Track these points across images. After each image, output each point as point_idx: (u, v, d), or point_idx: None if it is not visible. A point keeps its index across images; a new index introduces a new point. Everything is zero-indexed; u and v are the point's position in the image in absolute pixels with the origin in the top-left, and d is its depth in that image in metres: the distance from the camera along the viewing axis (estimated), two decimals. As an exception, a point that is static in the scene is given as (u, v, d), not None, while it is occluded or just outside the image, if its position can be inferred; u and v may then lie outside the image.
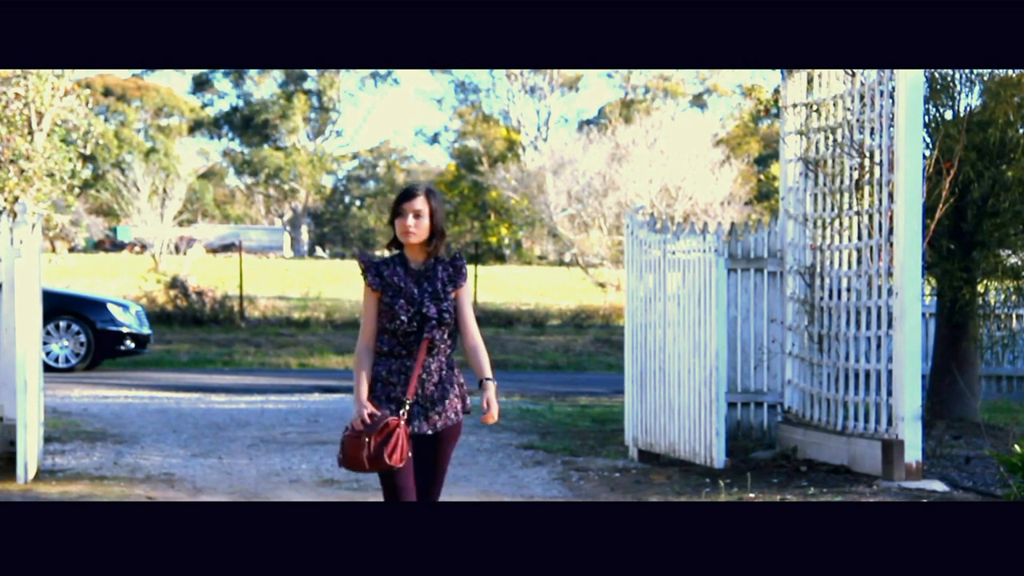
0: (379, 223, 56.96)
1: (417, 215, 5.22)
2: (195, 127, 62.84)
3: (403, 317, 5.17)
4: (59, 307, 16.75)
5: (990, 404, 12.57)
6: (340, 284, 31.75)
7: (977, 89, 12.00)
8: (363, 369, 5.20)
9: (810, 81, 10.51)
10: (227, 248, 52.11)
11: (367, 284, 5.23)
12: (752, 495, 8.65)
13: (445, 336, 5.25)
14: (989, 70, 11.74)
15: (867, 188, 9.73)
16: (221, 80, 62.44)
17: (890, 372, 9.32)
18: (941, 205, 10.16)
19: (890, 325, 9.34)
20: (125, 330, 17.46)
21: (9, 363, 9.16)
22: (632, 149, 31.14)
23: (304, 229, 63.12)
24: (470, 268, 5.83)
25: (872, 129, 9.64)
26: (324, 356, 21.12)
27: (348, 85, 62.61)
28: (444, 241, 5.30)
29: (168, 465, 9.87)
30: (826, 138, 10.27)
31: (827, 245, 10.25)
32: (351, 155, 64.85)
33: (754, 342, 10.97)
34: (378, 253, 5.63)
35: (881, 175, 9.48)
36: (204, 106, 63.46)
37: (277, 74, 60.13)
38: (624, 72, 53.84)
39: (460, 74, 57.24)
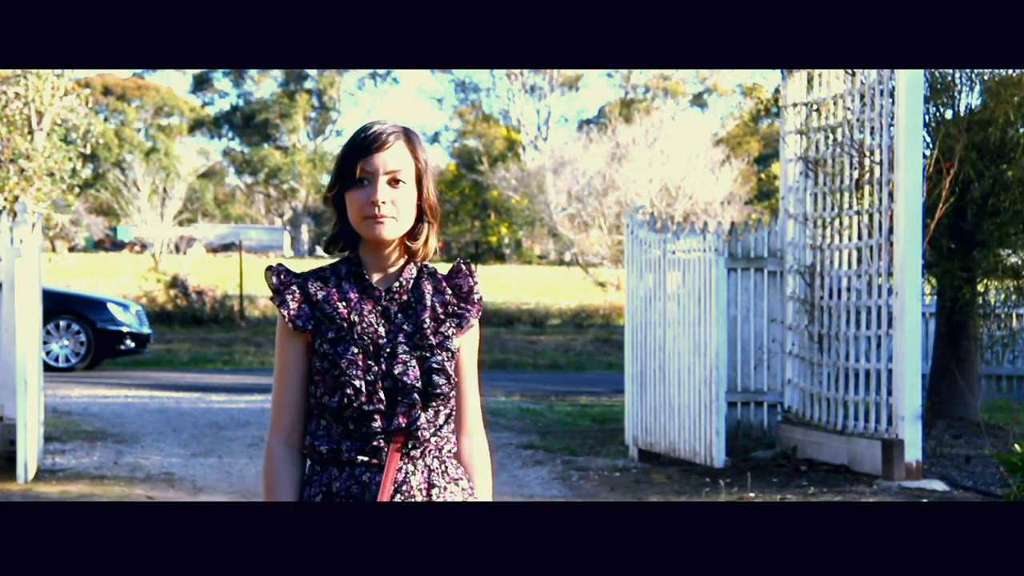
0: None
1: (394, 180, 2.78)
2: (195, 127, 62.87)
3: (356, 384, 2.74)
4: (59, 306, 16.75)
5: (990, 403, 12.58)
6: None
7: (977, 89, 12.01)
8: (279, 492, 2.80)
9: (810, 81, 10.52)
10: (227, 247, 52.10)
11: (285, 319, 2.80)
12: (752, 495, 8.65)
13: (439, 420, 2.82)
14: (989, 70, 11.75)
15: (867, 187, 9.73)
16: (221, 79, 62.50)
17: (890, 372, 9.32)
18: (941, 205, 10.17)
19: (890, 325, 9.34)
20: (125, 329, 17.46)
21: (9, 363, 9.16)
22: (632, 149, 31.15)
23: (304, 228, 63.14)
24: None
25: (872, 128, 9.65)
26: (324, 355, 21.13)
27: (348, 85, 62.65)
28: (436, 230, 2.88)
29: (168, 465, 9.88)
30: (826, 137, 10.28)
31: (827, 244, 10.25)
32: (351, 154, 64.80)
33: (754, 341, 10.97)
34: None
35: (881, 174, 9.48)
36: (204, 105, 63.51)
37: (277, 74, 60.14)
38: (624, 72, 53.84)
39: (460, 74, 57.28)
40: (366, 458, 2.76)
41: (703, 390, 9.90)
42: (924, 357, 11.36)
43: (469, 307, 2.87)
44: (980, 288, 12.55)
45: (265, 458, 2.83)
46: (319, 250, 60.76)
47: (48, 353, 16.69)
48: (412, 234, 2.83)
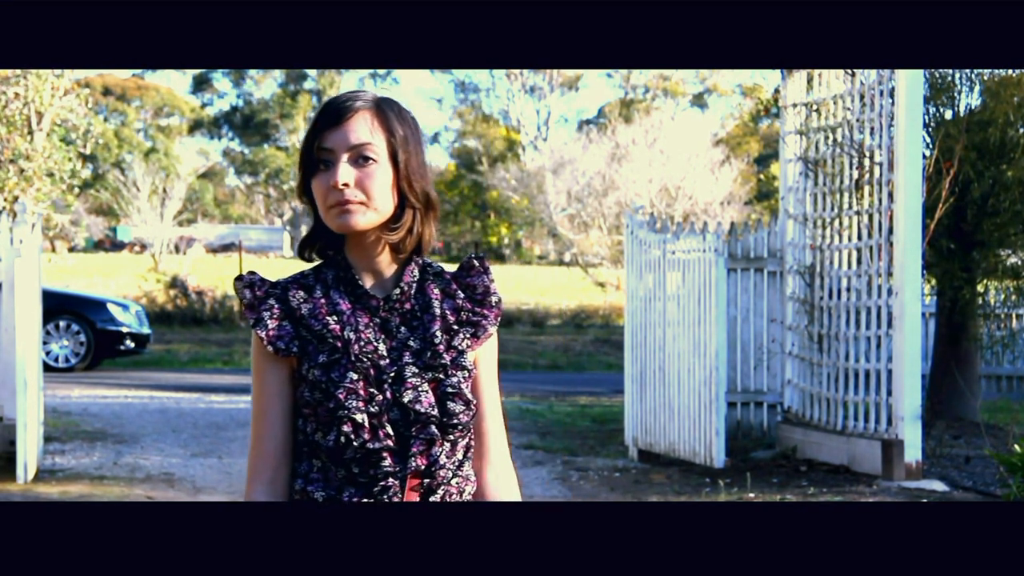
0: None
1: (360, 158, 2.25)
2: (195, 127, 62.91)
3: (356, 418, 2.21)
4: (59, 307, 16.75)
5: (990, 404, 12.58)
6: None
7: (977, 89, 12.02)
8: None
9: (810, 81, 10.52)
10: (227, 248, 52.12)
11: (263, 341, 2.26)
12: (752, 495, 8.66)
13: (457, 455, 2.31)
14: (989, 70, 11.75)
15: (867, 188, 9.73)
16: (221, 80, 62.53)
17: (890, 372, 9.32)
18: (941, 205, 10.17)
19: (890, 325, 9.34)
20: (125, 330, 17.46)
21: (9, 363, 9.16)
22: (632, 149, 31.15)
23: (304, 229, 63.14)
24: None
25: (872, 129, 9.65)
26: (324, 356, 21.13)
27: (348, 85, 62.65)
28: (434, 221, 2.33)
29: (168, 465, 9.88)
30: (826, 138, 10.28)
31: (827, 245, 10.25)
32: (351, 155, 64.85)
33: (754, 342, 10.98)
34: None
35: (881, 175, 9.48)
36: (204, 106, 63.55)
37: (277, 74, 60.17)
38: (624, 72, 53.86)
39: (460, 74, 57.29)
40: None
41: (703, 390, 9.90)
42: (924, 357, 11.36)
43: (486, 312, 2.33)
44: (980, 288, 12.55)
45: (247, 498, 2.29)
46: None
47: (48, 353, 16.69)
48: (397, 227, 2.27)
